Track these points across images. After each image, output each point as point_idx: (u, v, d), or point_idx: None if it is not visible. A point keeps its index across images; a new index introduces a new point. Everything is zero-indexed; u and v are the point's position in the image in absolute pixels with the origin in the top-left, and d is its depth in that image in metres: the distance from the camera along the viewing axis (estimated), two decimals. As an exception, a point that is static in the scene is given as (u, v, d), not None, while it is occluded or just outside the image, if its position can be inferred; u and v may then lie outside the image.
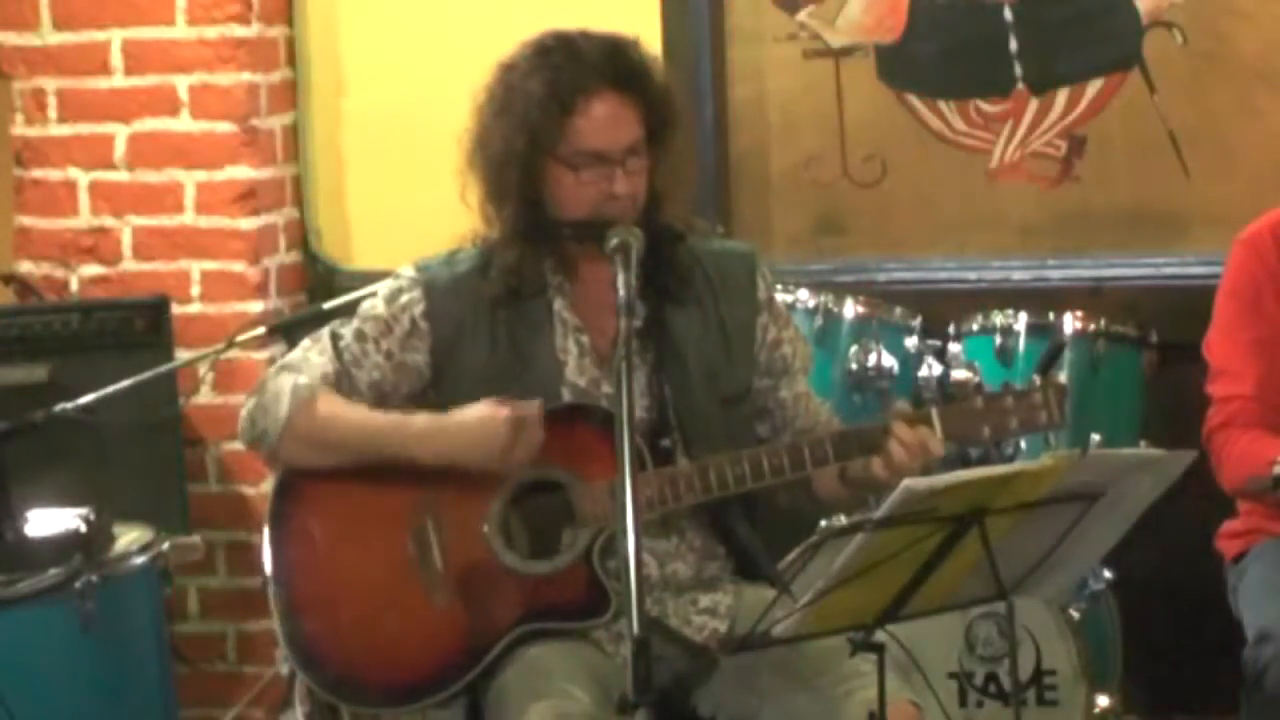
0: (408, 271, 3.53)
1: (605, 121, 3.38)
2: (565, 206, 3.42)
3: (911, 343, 4.60)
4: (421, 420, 3.41)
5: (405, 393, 3.51)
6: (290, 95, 5.22)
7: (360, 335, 3.50)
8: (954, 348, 4.60)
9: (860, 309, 4.57)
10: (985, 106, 4.99)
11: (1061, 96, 4.94)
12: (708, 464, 3.36)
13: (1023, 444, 4.34)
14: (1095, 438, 4.36)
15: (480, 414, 3.36)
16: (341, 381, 3.47)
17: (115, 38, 5.04)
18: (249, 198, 5.07)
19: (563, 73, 3.38)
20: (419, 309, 3.49)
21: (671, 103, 3.47)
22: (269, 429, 3.45)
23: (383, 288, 3.55)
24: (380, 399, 3.49)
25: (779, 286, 4.42)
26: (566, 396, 3.45)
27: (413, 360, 3.50)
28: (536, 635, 3.37)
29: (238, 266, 5.07)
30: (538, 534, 3.42)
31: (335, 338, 3.51)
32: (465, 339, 3.47)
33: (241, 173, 5.05)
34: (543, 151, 3.40)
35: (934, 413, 3.36)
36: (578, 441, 3.41)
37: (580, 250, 3.44)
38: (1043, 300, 4.70)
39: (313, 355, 3.50)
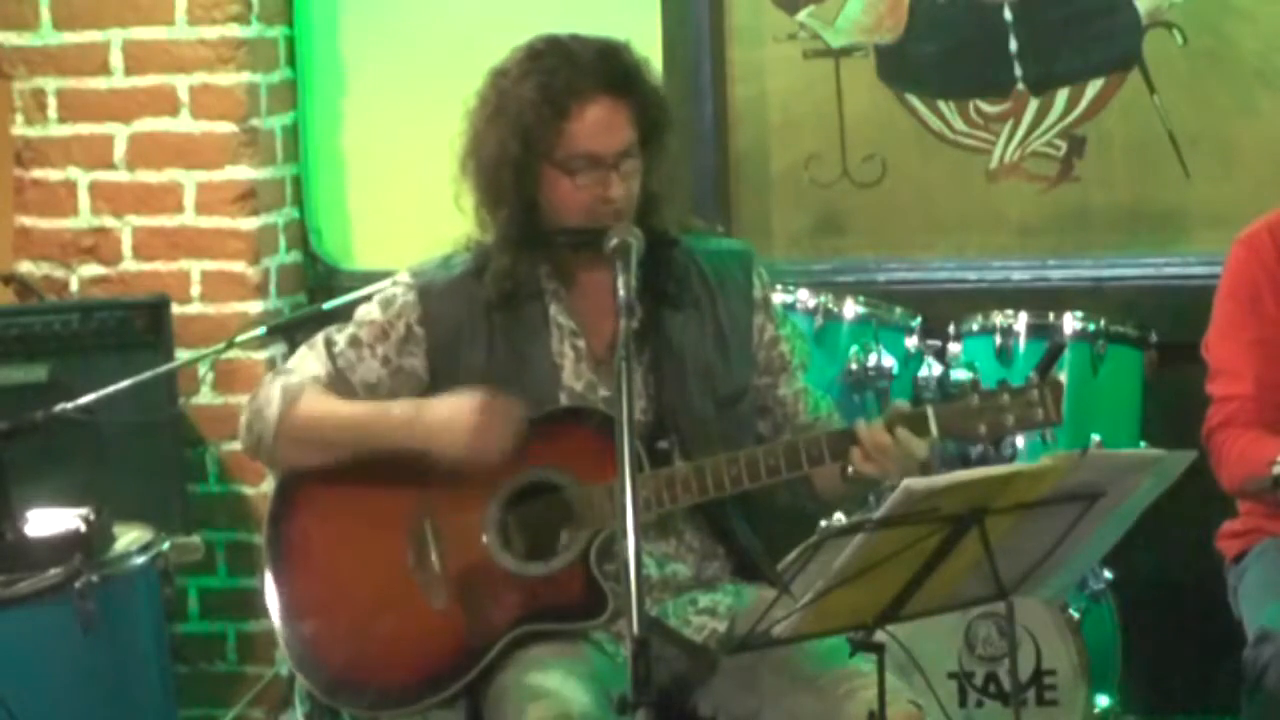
0: (403, 277, 3.53)
1: (599, 125, 3.38)
2: (560, 211, 3.42)
3: (911, 343, 4.60)
4: (399, 408, 3.41)
5: (405, 397, 3.50)
6: (290, 95, 5.23)
7: (355, 341, 3.49)
8: (954, 348, 4.61)
9: (860, 309, 4.57)
10: (985, 106, 4.99)
11: (1061, 96, 4.94)
12: (704, 465, 3.36)
13: (1019, 441, 4.34)
14: (1095, 438, 4.36)
15: (452, 402, 3.37)
16: (336, 385, 3.47)
17: (115, 38, 5.05)
18: (249, 198, 5.07)
19: (556, 77, 3.38)
20: (414, 314, 3.48)
21: (664, 104, 3.47)
22: (263, 433, 3.46)
23: (378, 293, 3.55)
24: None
25: (779, 286, 4.44)
26: (563, 400, 3.45)
27: (410, 365, 3.49)
28: (535, 636, 3.37)
29: (238, 266, 5.08)
30: (535, 536, 3.42)
31: (329, 344, 3.51)
32: (462, 343, 3.47)
33: (241, 173, 5.06)
34: (537, 156, 3.40)
35: (929, 410, 3.36)
36: (575, 444, 3.41)
37: (576, 255, 3.44)
38: (1043, 300, 4.70)
39: (307, 362, 3.51)
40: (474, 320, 3.47)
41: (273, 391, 3.46)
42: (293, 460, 3.48)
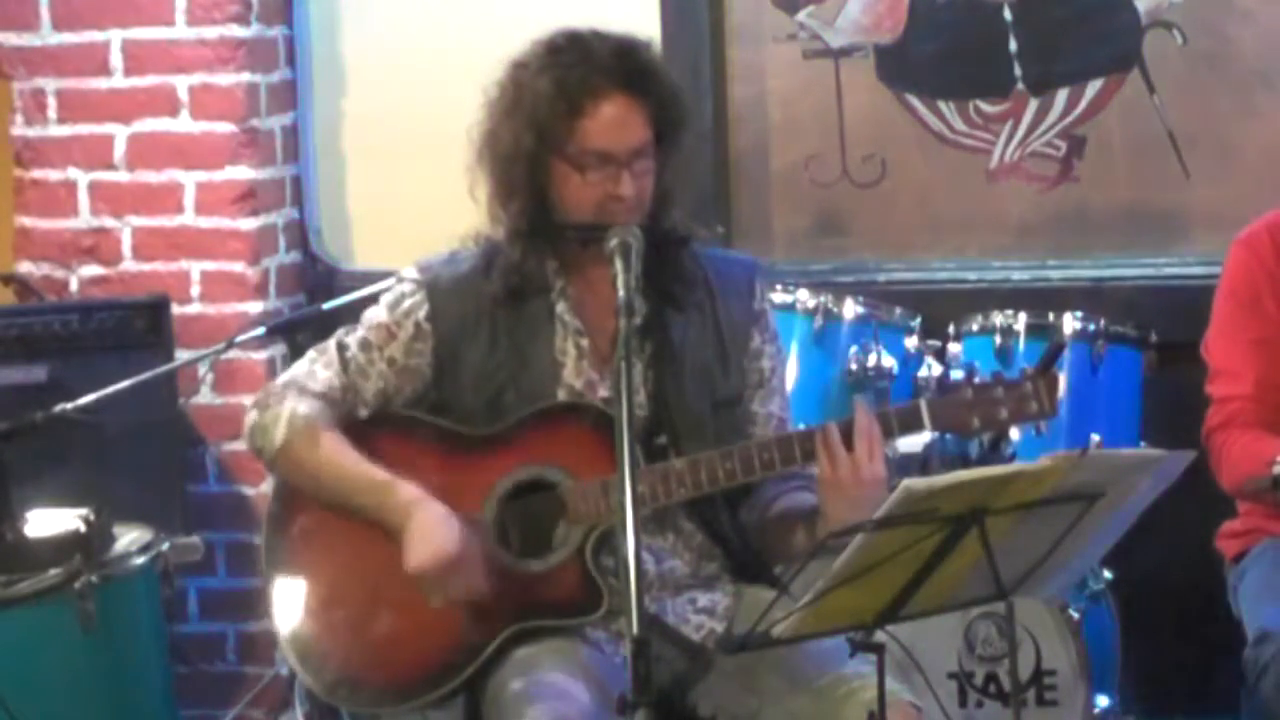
0: (410, 273, 3.53)
1: (613, 123, 3.38)
2: (570, 207, 3.41)
3: (911, 343, 4.60)
4: (402, 492, 3.37)
5: (408, 394, 3.50)
6: (290, 95, 5.23)
7: (365, 344, 3.49)
8: (954, 348, 4.60)
9: (860, 309, 4.57)
10: (985, 107, 4.99)
11: (1061, 97, 4.94)
12: (699, 459, 3.36)
13: (1014, 435, 4.34)
14: (1095, 438, 4.36)
15: (444, 519, 3.32)
16: (347, 395, 3.47)
17: (115, 38, 5.05)
18: (249, 198, 5.07)
19: (572, 72, 3.38)
20: (422, 312, 3.48)
21: (681, 105, 3.46)
22: (264, 449, 3.47)
23: (386, 294, 3.55)
24: (385, 405, 3.50)
25: (779, 286, 4.44)
26: (561, 397, 3.45)
27: (416, 363, 3.49)
28: (531, 633, 3.37)
29: (238, 266, 5.07)
30: (531, 532, 3.42)
31: (341, 348, 3.50)
32: (466, 338, 3.47)
33: (241, 173, 5.05)
34: (550, 150, 3.39)
35: (923, 404, 3.36)
36: (571, 439, 3.41)
37: (584, 252, 3.43)
38: (1043, 300, 4.70)
39: (318, 368, 3.49)
40: (479, 316, 3.47)
41: (281, 413, 3.44)
42: (289, 483, 3.50)
